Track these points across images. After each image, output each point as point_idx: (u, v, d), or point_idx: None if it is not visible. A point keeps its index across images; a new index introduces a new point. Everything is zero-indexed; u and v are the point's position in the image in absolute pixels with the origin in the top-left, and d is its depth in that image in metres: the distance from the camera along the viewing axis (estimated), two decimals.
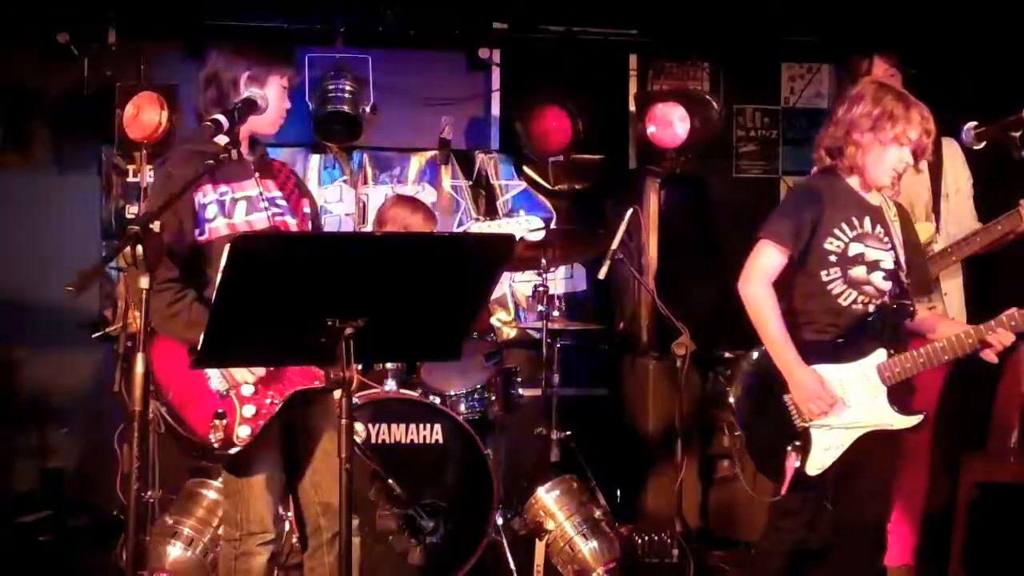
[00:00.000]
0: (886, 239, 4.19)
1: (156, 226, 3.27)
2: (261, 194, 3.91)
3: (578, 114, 6.77)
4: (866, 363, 4.11)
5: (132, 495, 3.40)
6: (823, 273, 4.14)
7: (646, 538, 5.77)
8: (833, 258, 4.14)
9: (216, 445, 3.72)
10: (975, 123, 4.50)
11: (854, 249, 4.14)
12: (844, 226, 4.15)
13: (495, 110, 7.23)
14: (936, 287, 5.04)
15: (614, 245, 5.62)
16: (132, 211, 6.63)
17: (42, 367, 6.66)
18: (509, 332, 6.91)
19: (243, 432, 3.73)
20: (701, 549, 5.77)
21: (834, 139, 4.21)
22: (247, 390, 3.75)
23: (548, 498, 5.48)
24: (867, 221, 4.18)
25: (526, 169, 7.17)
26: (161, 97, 6.23)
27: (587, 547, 5.34)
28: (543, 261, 5.61)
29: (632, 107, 7.09)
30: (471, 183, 7.14)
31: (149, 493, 5.44)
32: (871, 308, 4.15)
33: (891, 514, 5.10)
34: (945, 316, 4.62)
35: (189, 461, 5.28)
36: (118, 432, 5.93)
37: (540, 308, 5.73)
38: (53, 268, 6.38)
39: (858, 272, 4.14)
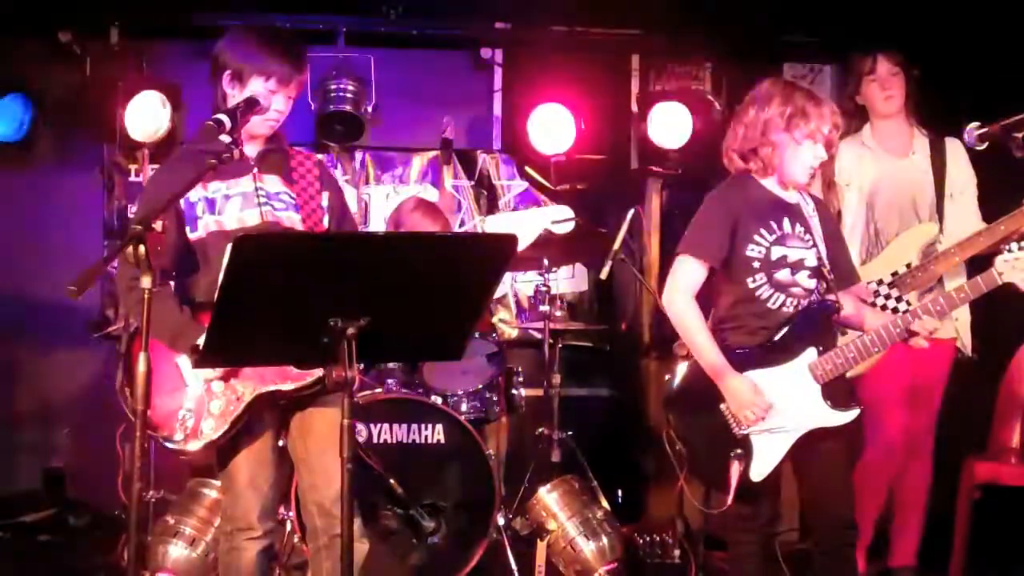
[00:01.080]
0: (807, 236, 4.19)
1: (158, 226, 3.27)
2: (257, 190, 3.88)
3: (580, 114, 6.77)
4: (797, 363, 4.11)
5: (134, 494, 3.41)
6: (749, 280, 4.14)
7: (648, 538, 5.77)
8: (756, 264, 4.14)
9: (181, 440, 3.72)
10: (977, 123, 4.49)
11: (776, 253, 4.13)
12: (763, 231, 4.14)
13: (497, 110, 7.24)
14: (939, 288, 5.04)
15: (616, 245, 5.62)
16: (134, 211, 6.63)
17: (44, 366, 6.67)
18: (511, 332, 6.91)
19: (206, 427, 3.71)
20: (703, 550, 5.76)
21: (746, 140, 4.19)
22: (217, 386, 3.74)
23: (549, 498, 5.48)
24: (786, 222, 4.17)
25: (528, 169, 7.17)
26: (163, 97, 6.25)
27: (589, 547, 5.34)
28: (545, 261, 5.61)
29: (634, 107, 7.09)
30: (473, 183, 7.14)
31: (151, 493, 5.44)
32: (800, 308, 4.16)
33: (881, 509, 5.14)
34: (871, 307, 4.61)
35: (190, 461, 5.29)
36: (120, 432, 5.93)
37: (542, 308, 5.73)
38: (55, 267, 6.39)
39: (783, 275, 4.14)
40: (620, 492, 6.43)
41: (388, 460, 5.17)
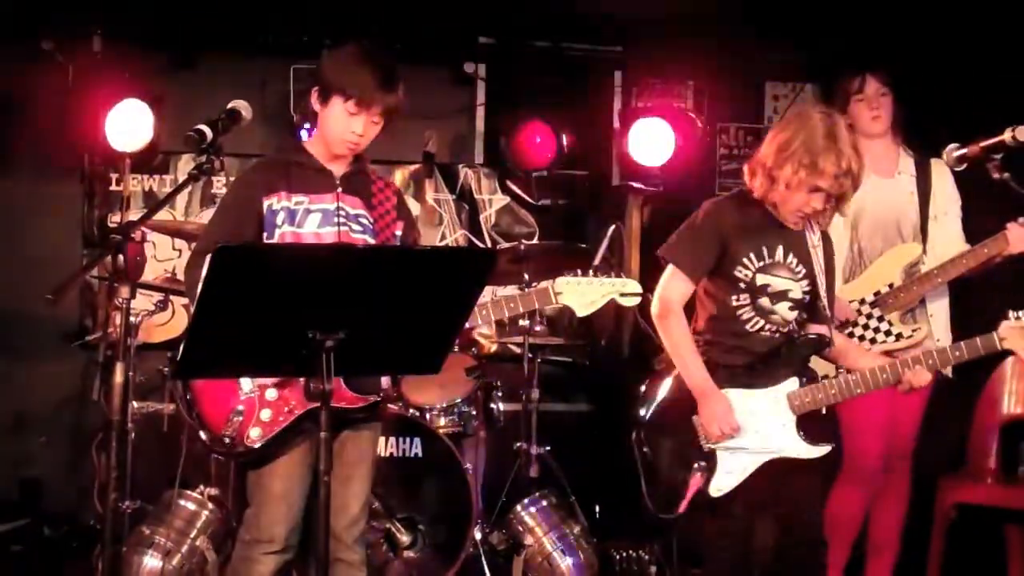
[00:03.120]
0: (799, 268, 4.20)
1: (137, 234, 3.27)
2: (339, 209, 3.89)
3: (562, 130, 6.78)
4: (777, 390, 4.16)
5: (109, 505, 3.40)
6: (733, 298, 4.18)
7: (625, 554, 5.77)
8: (742, 285, 4.18)
9: (226, 440, 3.74)
10: (956, 145, 4.52)
11: (760, 280, 4.17)
12: (752, 256, 4.17)
13: (479, 124, 7.24)
14: (921, 309, 5.06)
15: (596, 261, 5.63)
16: (115, 220, 6.62)
17: (20, 375, 6.62)
18: (490, 346, 6.90)
19: (253, 433, 3.74)
20: (679, 566, 5.76)
21: (757, 162, 4.17)
22: (271, 394, 3.76)
23: (527, 513, 5.48)
24: (779, 250, 4.18)
25: (510, 184, 7.17)
26: (146, 105, 6.23)
27: (565, 563, 5.34)
28: (525, 276, 5.61)
29: (616, 123, 7.11)
30: (455, 197, 7.14)
31: (126, 503, 5.41)
32: (777, 336, 4.19)
33: (858, 529, 5.15)
34: (861, 348, 4.65)
35: (167, 471, 5.27)
36: (96, 442, 5.91)
37: (522, 323, 5.73)
38: (33, 276, 6.35)
39: (764, 302, 4.18)
40: (597, 508, 6.42)
41: None
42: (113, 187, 6.71)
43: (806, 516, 4.25)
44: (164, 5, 6.28)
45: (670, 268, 4.25)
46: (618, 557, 5.77)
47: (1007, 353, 4.23)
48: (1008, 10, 5.79)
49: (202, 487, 5.26)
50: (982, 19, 5.96)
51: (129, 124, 6.19)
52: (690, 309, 4.32)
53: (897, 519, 5.29)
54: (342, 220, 3.89)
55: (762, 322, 4.17)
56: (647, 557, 5.71)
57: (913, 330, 5.01)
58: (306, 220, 3.85)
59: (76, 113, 6.35)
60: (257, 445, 3.75)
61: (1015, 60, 5.93)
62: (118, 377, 3.23)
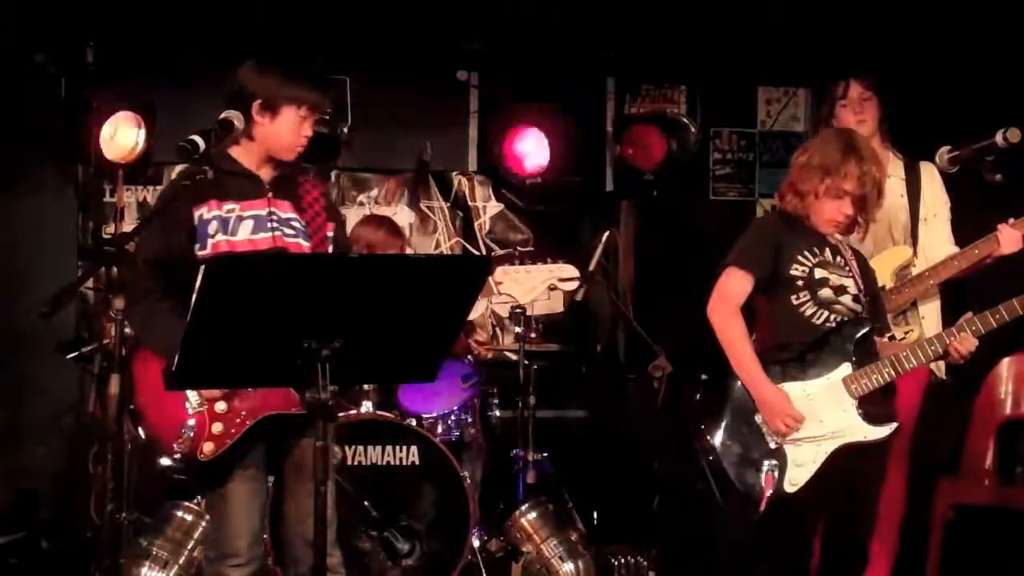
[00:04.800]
0: (847, 268, 4.28)
1: (131, 247, 3.27)
2: (271, 214, 3.88)
3: (556, 136, 6.79)
4: (832, 377, 4.16)
5: (106, 517, 3.39)
6: (792, 298, 4.20)
7: (623, 560, 5.76)
8: (800, 283, 4.20)
9: (178, 456, 3.72)
10: (948, 147, 4.53)
11: (819, 273, 4.21)
12: (807, 252, 4.23)
13: (473, 132, 7.25)
14: (913, 311, 5.06)
15: (591, 267, 5.63)
16: (109, 231, 6.61)
17: (17, 387, 6.62)
18: (486, 353, 6.90)
19: (207, 448, 3.71)
20: (678, 572, 5.76)
21: (786, 185, 4.34)
22: (220, 407, 3.74)
23: (524, 520, 5.47)
24: (828, 251, 4.27)
25: (503, 191, 7.18)
26: (138, 117, 6.23)
27: (564, 569, 5.33)
28: None
29: (610, 129, 7.12)
30: (448, 204, 7.14)
31: (124, 514, 5.40)
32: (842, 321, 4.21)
33: (870, 539, 5.15)
34: (891, 343, 4.68)
35: (165, 482, 5.26)
36: (93, 453, 5.90)
37: (517, 330, 5.74)
38: (28, 288, 6.36)
39: (826, 294, 4.21)
40: (595, 514, 6.42)
41: (363, 482, 5.17)
42: (107, 198, 6.72)
43: (859, 520, 4.25)
44: (156, 17, 6.28)
45: (725, 271, 4.28)
46: (616, 563, 5.76)
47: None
48: (997, 13, 5.81)
49: (199, 498, 5.26)
50: (971, 22, 5.98)
51: (122, 135, 6.19)
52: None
53: (894, 520, 5.29)
54: (275, 225, 3.87)
55: (826, 312, 4.19)
56: (646, 563, 5.71)
57: (905, 332, 5.01)
58: (239, 228, 3.82)
59: (69, 125, 6.35)
60: (211, 459, 3.72)
61: (1004, 62, 5.95)
62: (114, 388, 3.23)
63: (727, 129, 7.39)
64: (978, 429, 5.57)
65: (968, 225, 5.12)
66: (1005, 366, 5.56)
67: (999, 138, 4.38)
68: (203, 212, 3.80)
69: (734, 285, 4.24)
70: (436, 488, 5.30)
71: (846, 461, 4.13)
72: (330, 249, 4.00)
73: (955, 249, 5.03)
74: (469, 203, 7.17)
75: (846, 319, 4.20)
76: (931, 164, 4.91)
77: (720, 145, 7.36)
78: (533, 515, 5.49)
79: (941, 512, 5.32)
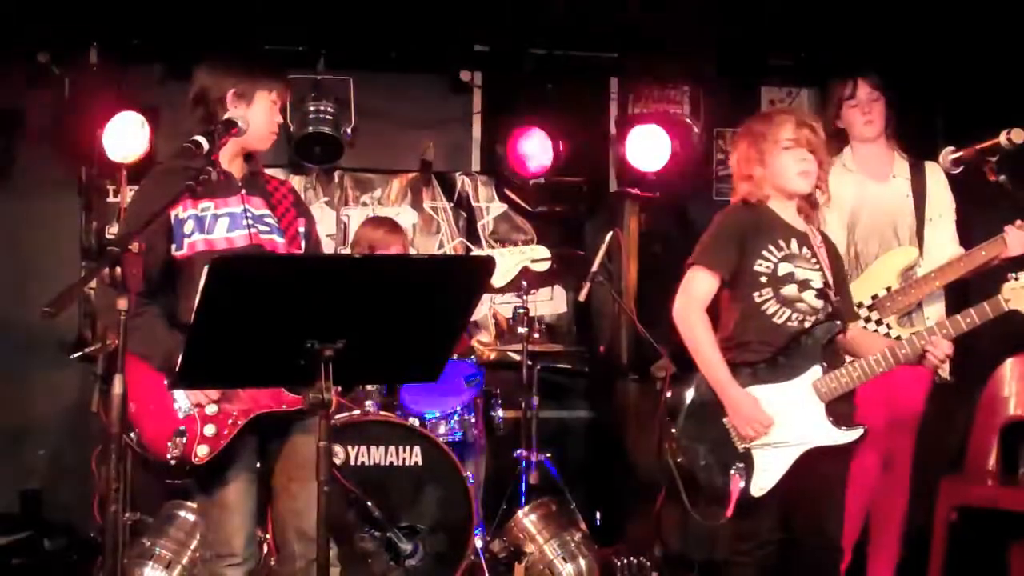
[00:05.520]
0: (814, 260, 4.25)
1: (135, 247, 3.26)
2: (245, 211, 3.89)
3: (559, 137, 6.79)
4: (802, 380, 4.14)
5: (109, 517, 3.39)
6: (755, 294, 4.18)
7: (625, 561, 5.76)
8: (764, 279, 4.18)
9: (172, 462, 3.72)
10: (952, 148, 4.52)
11: (783, 269, 4.19)
12: (771, 247, 4.20)
13: (476, 132, 7.25)
14: (918, 312, 5.06)
15: (594, 267, 5.64)
16: (112, 232, 6.61)
17: (20, 387, 6.62)
18: (489, 354, 6.91)
19: (201, 451, 3.72)
20: (681, 572, 5.76)
21: (741, 179, 4.33)
22: (211, 409, 3.75)
23: (527, 521, 5.48)
24: (794, 243, 4.23)
25: (507, 191, 7.18)
26: (142, 117, 6.24)
27: (567, 570, 5.34)
28: (524, 283, 5.62)
29: (613, 130, 7.12)
30: (452, 205, 7.14)
31: (127, 515, 5.40)
32: (806, 325, 4.18)
33: (858, 531, 5.14)
34: (870, 333, 4.66)
35: (167, 483, 5.27)
36: (96, 453, 5.90)
37: (521, 330, 5.74)
38: (32, 288, 6.37)
39: (789, 290, 4.18)
40: (598, 514, 6.42)
41: (366, 482, 5.17)
42: (110, 198, 6.72)
43: (827, 518, 4.23)
44: (159, 17, 6.29)
45: (690, 270, 4.26)
46: (619, 564, 5.76)
47: (1015, 314, 4.23)
48: (1001, 13, 5.80)
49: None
50: (975, 22, 5.97)
51: (125, 135, 6.21)
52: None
53: (897, 521, 5.29)
54: (250, 222, 3.89)
55: (789, 311, 4.17)
56: (648, 563, 5.71)
57: (912, 333, 5.01)
58: (215, 226, 3.84)
59: (72, 125, 6.37)
60: (206, 462, 3.73)
61: (1009, 62, 5.94)
62: (117, 388, 3.21)
63: (730, 129, 7.37)
64: (981, 430, 5.57)
65: (972, 227, 5.12)
66: (1009, 367, 5.56)
67: (1003, 139, 4.37)
68: (178, 212, 3.80)
69: (699, 285, 4.23)
70: (439, 488, 5.30)
71: (811, 463, 4.12)
72: (303, 245, 4.02)
73: (960, 250, 5.03)
74: (472, 203, 7.17)
75: (809, 317, 4.18)
76: (936, 164, 4.90)
77: (723, 145, 7.34)
78: (536, 516, 5.50)
79: (944, 513, 5.31)
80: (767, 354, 4.17)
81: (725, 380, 4.12)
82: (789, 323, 4.18)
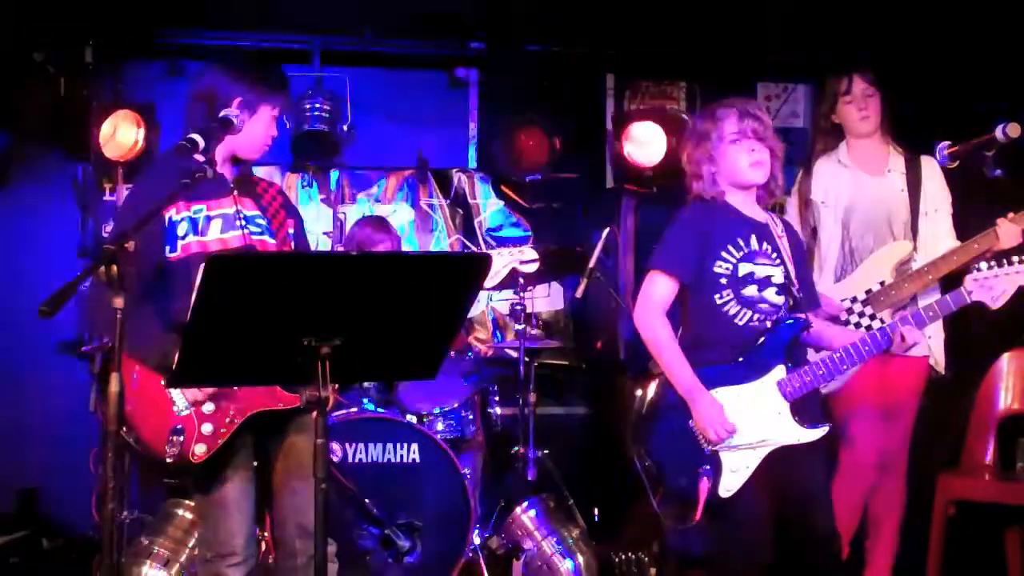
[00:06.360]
0: (774, 255, 4.23)
1: (131, 245, 3.27)
2: (238, 212, 3.91)
3: (555, 133, 6.79)
4: (766, 380, 4.13)
5: (107, 515, 3.39)
6: (716, 296, 4.16)
7: (624, 557, 5.76)
8: (724, 280, 4.16)
9: (170, 461, 3.72)
10: (948, 142, 4.52)
11: (743, 269, 4.17)
12: (730, 248, 4.18)
13: (472, 129, 7.25)
14: (912, 306, 5.06)
15: (591, 264, 5.63)
16: (108, 230, 6.61)
17: (17, 386, 6.62)
18: (487, 351, 6.91)
19: (199, 450, 3.73)
20: (679, 569, 5.76)
21: (693, 178, 4.31)
22: (208, 408, 3.75)
23: (525, 517, 5.48)
24: (753, 239, 4.21)
25: (503, 188, 7.18)
26: (138, 116, 6.25)
27: (564, 566, 5.34)
28: (520, 280, 5.62)
29: (609, 126, 7.12)
30: (448, 201, 7.15)
31: (124, 513, 5.41)
32: (768, 324, 4.18)
33: (855, 526, 5.14)
34: (838, 327, 4.65)
35: (165, 481, 5.27)
36: (93, 452, 5.90)
37: (518, 327, 5.74)
38: (28, 287, 6.36)
39: (750, 291, 4.16)
40: (596, 510, 6.42)
41: (363, 480, 5.17)
42: (107, 197, 6.71)
43: (817, 508, 4.23)
44: (155, 15, 6.28)
45: (649, 275, 4.25)
46: (617, 560, 5.76)
47: (978, 307, 4.24)
48: (997, 8, 5.81)
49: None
50: (970, 16, 5.98)
51: (121, 134, 6.20)
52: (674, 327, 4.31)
53: (895, 515, 5.30)
54: (243, 223, 3.91)
55: (750, 312, 4.16)
56: (646, 559, 5.71)
57: (877, 329, 5.01)
58: (208, 227, 3.86)
59: (68, 123, 6.36)
60: (204, 460, 3.74)
61: (1004, 57, 5.94)
62: (114, 387, 3.22)
63: None
64: (978, 424, 5.56)
65: (968, 220, 5.12)
66: (1005, 361, 5.55)
67: (999, 133, 4.38)
68: (171, 214, 3.82)
69: (659, 290, 4.21)
70: (437, 485, 5.30)
71: (781, 462, 4.11)
72: (293, 246, 4.04)
73: (955, 243, 5.03)
74: (469, 200, 7.17)
75: (772, 316, 4.17)
76: (931, 159, 4.90)
77: None
78: (534, 512, 5.49)
79: (941, 508, 5.31)
80: (730, 355, 4.17)
81: (689, 384, 4.10)
82: (751, 323, 4.17)
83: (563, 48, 6.97)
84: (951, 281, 5.01)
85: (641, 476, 4.26)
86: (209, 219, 3.86)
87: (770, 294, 4.18)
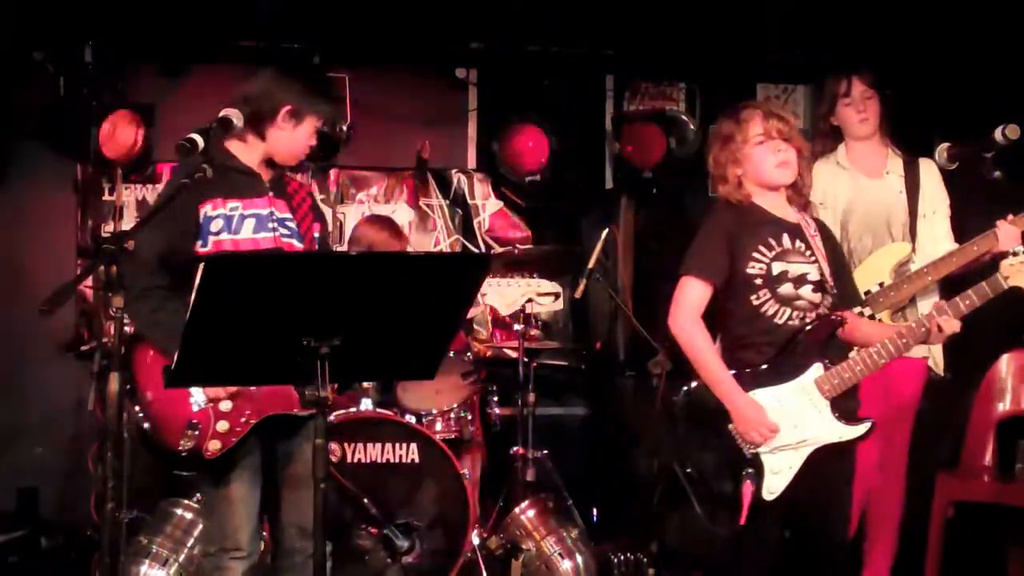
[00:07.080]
0: (808, 252, 4.20)
1: (130, 245, 3.27)
2: (271, 214, 3.92)
3: (555, 133, 6.80)
4: (804, 379, 4.10)
5: (106, 515, 3.40)
6: (752, 297, 4.14)
7: (623, 557, 5.76)
8: (759, 281, 4.14)
9: (184, 454, 3.76)
10: (948, 144, 4.52)
11: (777, 268, 4.14)
12: (762, 248, 4.16)
13: (472, 129, 7.25)
14: (912, 307, 5.06)
15: (591, 264, 5.64)
16: (108, 229, 6.62)
17: (17, 385, 6.62)
18: (486, 351, 6.91)
19: (213, 446, 3.77)
20: (678, 569, 5.76)
21: (719, 181, 4.30)
22: (225, 406, 3.78)
23: (524, 517, 5.47)
24: (785, 238, 4.19)
25: (503, 188, 7.18)
26: (137, 116, 6.25)
27: (563, 566, 5.33)
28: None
29: (609, 127, 7.12)
30: (448, 202, 7.14)
31: (124, 512, 5.40)
32: (806, 321, 4.15)
33: (854, 528, 5.13)
34: (872, 323, 4.62)
35: (164, 480, 5.27)
36: (93, 451, 5.90)
37: (517, 327, 5.74)
38: (28, 286, 6.37)
39: (786, 289, 4.14)
40: (595, 511, 6.42)
41: (362, 479, 5.17)
42: (106, 197, 6.72)
43: (836, 513, 4.22)
44: (154, 15, 6.28)
45: (682, 280, 4.20)
46: (616, 560, 5.76)
47: (1015, 291, 4.20)
48: (996, 9, 5.81)
49: (198, 496, 5.26)
50: (969, 19, 5.98)
51: (120, 134, 6.21)
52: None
53: (894, 517, 5.30)
54: (275, 225, 3.91)
55: (788, 311, 4.13)
56: (645, 560, 5.71)
57: (913, 320, 5.01)
58: (242, 226, 3.86)
59: (68, 123, 6.36)
60: (217, 457, 3.78)
61: (1003, 59, 5.94)
62: (113, 386, 3.23)
63: None
64: (978, 425, 5.57)
65: (967, 222, 5.12)
66: (1005, 362, 5.56)
67: (998, 135, 4.38)
68: (207, 210, 3.83)
69: (693, 295, 4.17)
70: (436, 485, 5.30)
71: (820, 462, 4.09)
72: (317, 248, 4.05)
73: (954, 245, 5.03)
74: (468, 201, 7.17)
75: (810, 313, 4.14)
76: (930, 160, 4.91)
77: None
78: (533, 512, 5.49)
79: (941, 509, 5.32)
80: (769, 354, 4.15)
81: (730, 388, 4.07)
82: (790, 322, 4.13)
83: (563, 48, 6.96)
84: (950, 283, 5.02)
85: (683, 483, 4.22)
86: (243, 217, 3.86)
87: (806, 291, 4.15)
